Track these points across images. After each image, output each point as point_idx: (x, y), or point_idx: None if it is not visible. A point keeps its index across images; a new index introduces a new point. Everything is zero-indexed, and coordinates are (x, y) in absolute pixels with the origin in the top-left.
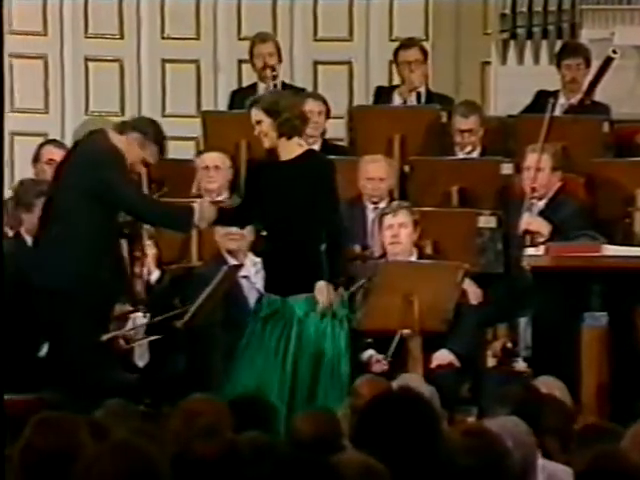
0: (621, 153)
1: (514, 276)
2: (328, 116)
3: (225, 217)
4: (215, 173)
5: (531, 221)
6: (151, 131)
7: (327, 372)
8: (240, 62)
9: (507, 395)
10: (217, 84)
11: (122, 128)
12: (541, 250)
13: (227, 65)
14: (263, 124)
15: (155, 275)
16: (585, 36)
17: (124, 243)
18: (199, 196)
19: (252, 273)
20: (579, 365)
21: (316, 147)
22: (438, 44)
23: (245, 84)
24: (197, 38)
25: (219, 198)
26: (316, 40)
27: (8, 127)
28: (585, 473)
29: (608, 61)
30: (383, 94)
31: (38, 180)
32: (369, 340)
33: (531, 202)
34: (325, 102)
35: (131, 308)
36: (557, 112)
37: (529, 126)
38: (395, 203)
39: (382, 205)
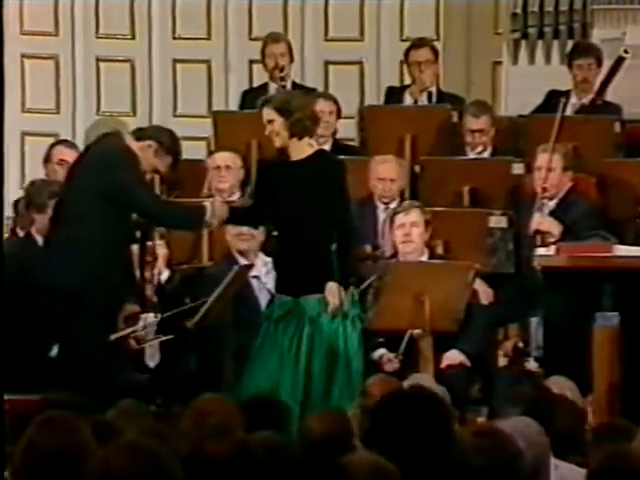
0: (632, 153)
1: (525, 276)
2: (339, 116)
3: (237, 216)
4: (226, 173)
5: (542, 221)
6: (167, 141)
7: (341, 372)
8: (251, 62)
9: (518, 395)
10: (228, 84)
11: (139, 135)
12: (552, 250)
13: (238, 65)
14: (275, 124)
15: (165, 275)
16: (596, 36)
17: (135, 247)
18: (210, 196)
19: (263, 273)
20: (590, 365)
21: (327, 147)
22: (449, 44)
23: (256, 84)
24: (208, 38)
25: (230, 198)
26: (327, 40)
27: (20, 127)
28: (597, 473)
29: (619, 61)
30: (394, 94)
31: (49, 180)
32: (380, 339)
33: (542, 202)
34: (336, 102)
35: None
36: (568, 112)
37: (540, 126)
38: (407, 202)
39: (393, 205)
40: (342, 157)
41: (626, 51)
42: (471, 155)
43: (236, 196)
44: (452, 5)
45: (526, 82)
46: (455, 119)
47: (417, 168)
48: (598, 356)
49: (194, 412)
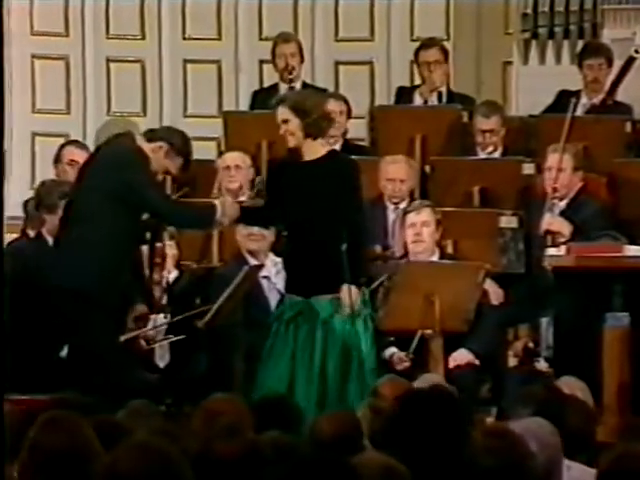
0: None
1: (535, 276)
2: (349, 116)
3: (247, 216)
4: (236, 173)
5: (552, 221)
6: (178, 143)
7: (355, 372)
8: (261, 62)
9: (529, 395)
10: (238, 84)
11: (150, 136)
12: (562, 250)
13: (248, 65)
14: (290, 123)
15: (173, 275)
16: (607, 36)
17: (144, 249)
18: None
19: (273, 273)
20: (601, 365)
21: (337, 147)
22: (459, 44)
23: (266, 84)
24: (218, 38)
25: (240, 198)
26: (337, 40)
27: (30, 128)
28: (607, 473)
29: (630, 61)
30: (404, 94)
31: (60, 181)
32: (391, 338)
33: (552, 202)
34: (346, 102)
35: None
36: (579, 112)
37: (551, 126)
38: (418, 202)
39: (403, 206)
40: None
41: (637, 51)
42: (481, 155)
43: (246, 196)
44: (462, 5)
45: (536, 82)
46: (465, 119)
47: (427, 168)
48: (608, 356)
49: (204, 412)
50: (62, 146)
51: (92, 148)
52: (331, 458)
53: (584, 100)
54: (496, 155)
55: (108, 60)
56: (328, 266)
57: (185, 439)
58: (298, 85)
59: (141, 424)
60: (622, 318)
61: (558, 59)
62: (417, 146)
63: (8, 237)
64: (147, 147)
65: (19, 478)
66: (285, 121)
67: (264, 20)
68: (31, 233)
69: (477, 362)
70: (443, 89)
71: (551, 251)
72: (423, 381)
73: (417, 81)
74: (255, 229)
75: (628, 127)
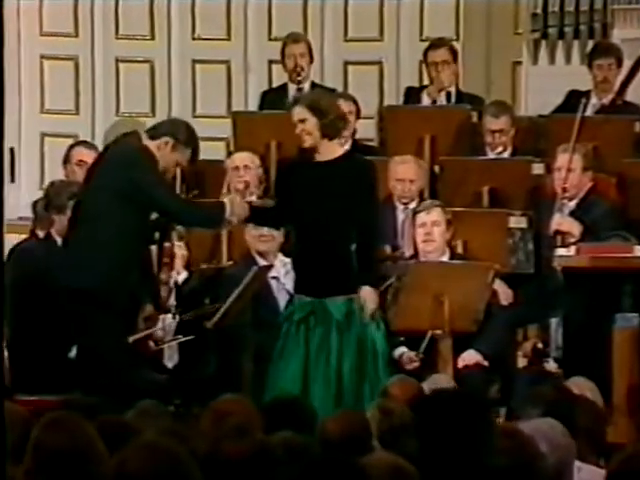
0: None
1: (545, 277)
2: (358, 116)
3: (257, 216)
4: (245, 173)
5: (562, 221)
6: (183, 135)
7: (370, 372)
8: (270, 62)
9: (539, 396)
10: (247, 85)
11: (153, 133)
12: (572, 251)
13: (257, 66)
14: (307, 123)
15: (182, 276)
16: (617, 36)
17: (153, 249)
18: None
19: (282, 274)
20: (610, 366)
21: (346, 147)
22: (469, 44)
23: (275, 85)
24: (228, 39)
25: (250, 198)
26: (346, 40)
27: (39, 128)
28: (617, 474)
29: None
30: (413, 95)
31: (69, 181)
32: (401, 338)
33: (562, 202)
34: (355, 102)
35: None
36: (589, 112)
37: (560, 126)
38: (428, 201)
39: (412, 206)
40: None
41: None
42: (491, 155)
43: (255, 196)
44: (472, 5)
45: (546, 82)
46: (475, 119)
47: (436, 168)
48: (618, 357)
49: (213, 412)
50: (71, 147)
51: (101, 148)
52: (340, 458)
53: (594, 100)
54: (505, 155)
55: (117, 60)
56: (341, 267)
57: (194, 440)
58: (307, 85)
59: (150, 424)
60: (632, 319)
61: (568, 59)
62: (426, 146)
63: (18, 238)
64: (153, 145)
65: (24, 478)
66: (302, 121)
67: (273, 20)
68: (40, 234)
69: (486, 363)
70: (452, 89)
71: (561, 251)
72: (432, 382)
73: (426, 81)
74: (265, 230)
75: (638, 127)
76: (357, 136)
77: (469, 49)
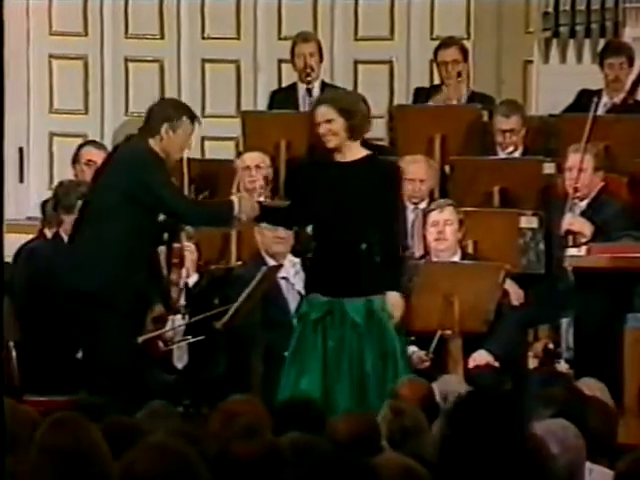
0: None
1: (556, 277)
2: (368, 116)
3: (268, 215)
4: (256, 172)
5: (573, 221)
6: (172, 113)
7: (391, 372)
8: (280, 62)
9: (550, 397)
10: (257, 84)
11: (148, 130)
12: (583, 251)
13: (267, 65)
14: (334, 123)
15: (193, 279)
16: (628, 35)
17: (162, 249)
18: None
19: (291, 274)
20: (621, 367)
21: None
22: (480, 43)
23: (285, 84)
24: (237, 38)
25: (260, 198)
26: (357, 39)
27: (48, 128)
28: (625, 474)
29: None
30: (421, 95)
31: (78, 181)
32: (412, 338)
33: (573, 202)
34: (365, 102)
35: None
36: (600, 111)
37: (572, 126)
38: (441, 200)
39: (422, 206)
40: None
41: None
42: (502, 155)
43: (265, 196)
44: (483, 4)
45: (557, 81)
46: (485, 118)
47: (447, 168)
48: (629, 357)
49: (222, 413)
50: (80, 146)
51: (110, 148)
52: (351, 459)
53: (605, 99)
54: (516, 155)
55: (126, 60)
56: (361, 268)
57: (203, 440)
58: (317, 85)
59: (159, 425)
60: None
61: (579, 58)
62: (437, 146)
63: (27, 238)
64: (156, 142)
65: (28, 478)
66: (329, 121)
67: (283, 19)
68: (48, 234)
69: (496, 364)
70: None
71: (572, 251)
72: (442, 382)
73: (437, 80)
74: (281, 231)
75: None
76: (367, 135)
77: (480, 48)
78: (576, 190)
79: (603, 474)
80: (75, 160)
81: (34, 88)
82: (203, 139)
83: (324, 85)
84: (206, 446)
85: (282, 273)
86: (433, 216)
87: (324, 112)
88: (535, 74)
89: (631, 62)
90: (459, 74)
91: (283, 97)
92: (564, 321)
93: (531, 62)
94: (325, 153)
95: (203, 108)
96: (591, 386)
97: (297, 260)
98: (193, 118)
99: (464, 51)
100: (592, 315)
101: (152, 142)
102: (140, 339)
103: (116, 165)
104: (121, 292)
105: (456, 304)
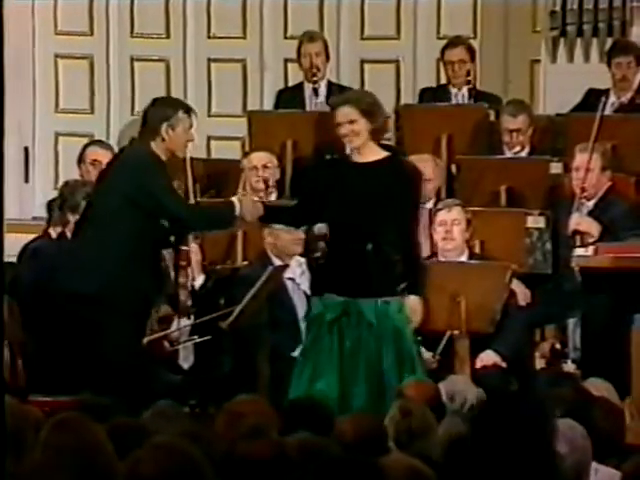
0: None
1: (563, 277)
2: None
3: (274, 215)
4: (264, 172)
5: (580, 221)
6: (168, 111)
7: (408, 372)
8: (286, 61)
9: (557, 397)
10: (263, 83)
11: (148, 133)
12: (590, 251)
13: (273, 64)
14: (357, 124)
15: (200, 280)
16: (636, 34)
17: (169, 252)
18: None
19: (298, 274)
20: (629, 367)
21: None
22: (486, 42)
23: (291, 83)
24: (243, 37)
25: (270, 197)
26: (363, 38)
27: (53, 128)
28: (633, 475)
29: None
30: (427, 96)
31: (84, 181)
32: (418, 338)
33: (580, 202)
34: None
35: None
36: (607, 111)
37: (579, 125)
38: (449, 200)
39: (429, 205)
40: None
41: None
42: (508, 154)
43: (273, 196)
44: (490, 3)
45: (565, 80)
46: (492, 118)
47: (453, 167)
48: (636, 358)
49: (229, 413)
50: (85, 146)
51: (116, 148)
52: (359, 459)
53: (613, 99)
54: (523, 154)
55: (132, 59)
56: (378, 269)
57: (209, 440)
58: (323, 84)
59: (166, 425)
60: None
61: (586, 57)
62: (443, 145)
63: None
64: (158, 144)
65: (32, 478)
66: (352, 121)
67: (289, 18)
68: (53, 233)
69: (504, 364)
70: (464, 90)
71: (579, 251)
72: (449, 382)
73: (443, 80)
74: (299, 232)
75: None
76: None
77: (487, 47)
78: (583, 190)
79: (609, 474)
80: (80, 160)
81: (39, 88)
82: (209, 139)
83: (330, 84)
84: (212, 446)
85: (288, 274)
86: (441, 215)
87: (347, 112)
88: (542, 73)
89: (639, 61)
90: (468, 73)
91: (289, 96)
92: (571, 321)
93: (538, 61)
94: (338, 153)
95: (209, 107)
96: (598, 386)
97: (303, 260)
98: (189, 111)
99: (471, 51)
100: (599, 315)
101: (154, 144)
102: (146, 339)
103: (118, 168)
104: (122, 294)
105: (463, 304)
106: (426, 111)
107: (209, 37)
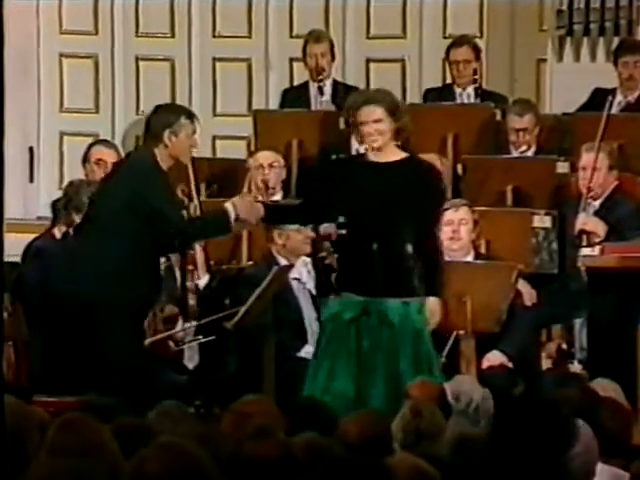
0: None
1: (569, 277)
2: None
3: (280, 215)
4: (270, 171)
5: (587, 221)
6: (171, 117)
7: (426, 374)
8: (292, 60)
9: (564, 397)
10: (268, 83)
11: (152, 138)
12: (596, 250)
13: (279, 63)
14: (382, 123)
15: (204, 280)
16: None
17: (176, 256)
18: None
19: (304, 274)
20: (635, 367)
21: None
22: (493, 41)
23: (297, 82)
24: (248, 36)
25: (274, 197)
26: (369, 38)
27: (58, 127)
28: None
29: None
30: (430, 97)
31: (88, 181)
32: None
33: (587, 202)
34: None
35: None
36: (614, 110)
37: (585, 124)
38: (456, 199)
39: None
40: None
41: None
42: (515, 154)
43: (279, 195)
44: (496, 2)
45: (571, 80)
46: (498, 117)
47: (459, 167)
48: None
49: (235, 413)
50: (90, 146)
51: (120, 147)
52: (365, 460)
53: (619, 98)
54: (529, 154)
55: (137, 58)
56: (399, 269)
57: (216, 441)
58: (328, 83)
59: (171, 426)
60: None
61: (593, 56)
62: (449, 144)
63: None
64: (160, 150)
65: (36, 478)
66: (378, 121)
67: (295, 17)
68: (58, 233)
69: (510, 365)
70: (470, 89)
71: (585, 251)
72: (455, 382)
73: (449, 79)
74: (309, 231)
75: None
76: None
77: (493, 46)
78: (590, 189)
79: (615, 475)
80: (85, 159)
81: (44, 87)
82: (214, 138)
83: (336, 83)
84: (219, 447)
85: (294, 274)
86: (448, 215)
87: (373, 111)
88: (549, 72)
89: None
90: (474, 72)
91: (295, 96)
92: (577, 321)
93: (545, 60)
94: (343, 152)
95: (214, 107)
96: (605, 387)
97: (309, 260)
98: (191, 117)
99: (476, 50)
100: (606, 315)
101: (157, 151)
102: (150, 340)
103: (122, 172)
104: (120, 294)
105: (469, 304)
106: (432, 110)
107: (214, 36)
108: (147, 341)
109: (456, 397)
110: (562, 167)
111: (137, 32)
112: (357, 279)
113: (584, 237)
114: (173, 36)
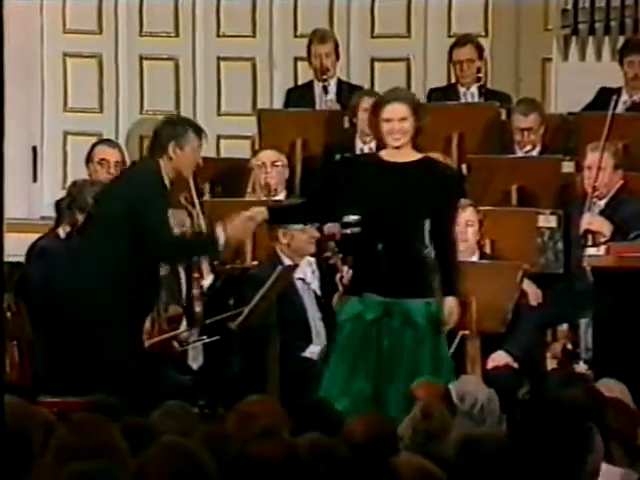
0: None
1: (574, 276)
2: None
3: (283, 215)
4: (272, 170)
5: (592, 220)
6: (177, 130)
7: (445, 375)
8: (296, 60)
9: (569, 398)
10: (273, 82)
11: (157, 150)
12: (602, 250)
13: (283, 63)
14: (407, 122)
15: (208, 280)
16: None
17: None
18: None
19: (308, 274)
20: None
21: (372, 145)
22: (498, 40)
23: (301, 82)
24: (253, 36)
25: (276, 197)
26: (373, 37)
27: (62, 127)
28: None
29: None
30: (435, 97)
31: (92, 180)
32: None
33: (592, 201)
34: None
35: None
36: (619, 109)
37: (591, 124)
38: (462, 200)
39: None
40: None
41: None
42: (520, 153)
43: (282, 195)
44: (501, 1)
45: (576, 79)
46: (503, 117)
47: (464, 167)
48: None
49: (239, 414)
50: (93, 145)
51: (124, 147)
52: (370, 460)
53: (624, 97)
54: (534, 153)
55: (141, 58)
56: (420, 269)
57: (221, 441)
58: (333, 82)
59: (174, 426)
60: None
61: (598, 55)
62: (454, 144)
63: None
64: (165, 162)
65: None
66: (403, 119)
67: (299, 17)
68: (61, 233)
69: (515, 365)
70: (474, 89)
71: (590, 251)
72: (460, 383)
73: (454, 79)
74: (313, 231)
75: None
76: None
77: (498, 46)
78: (595, 189)
79: (622, 476)
80: (89, 159)
81: (48, 87)
82: (219, 137)
83: (340, 83)
84: (224, 447)
85: (298, 274)
86: None
87: (399, 109)
88: (554, 72)
89: None
90: (478, 70)
91: (299, 95)
92: (583, 321)
93: (550, 60)
94: (348, 152)
95: (218, 106)
96: (611, 387)
97: (313, 260)
98: (199, 132)
99: (479, 49)
100: (611, 315)
101: (162, 162)
102: (155, 340)
103: (125, 179)
104: (119, 295)
105: (474, 304)
106: (437, 110)
107: (218, 36)
108: (151, 341)
109: (461, 398)
110: (567, 167)
111: (141, 31)
112: (377, 280)
113: (589, 237)
114: (177, 35)
